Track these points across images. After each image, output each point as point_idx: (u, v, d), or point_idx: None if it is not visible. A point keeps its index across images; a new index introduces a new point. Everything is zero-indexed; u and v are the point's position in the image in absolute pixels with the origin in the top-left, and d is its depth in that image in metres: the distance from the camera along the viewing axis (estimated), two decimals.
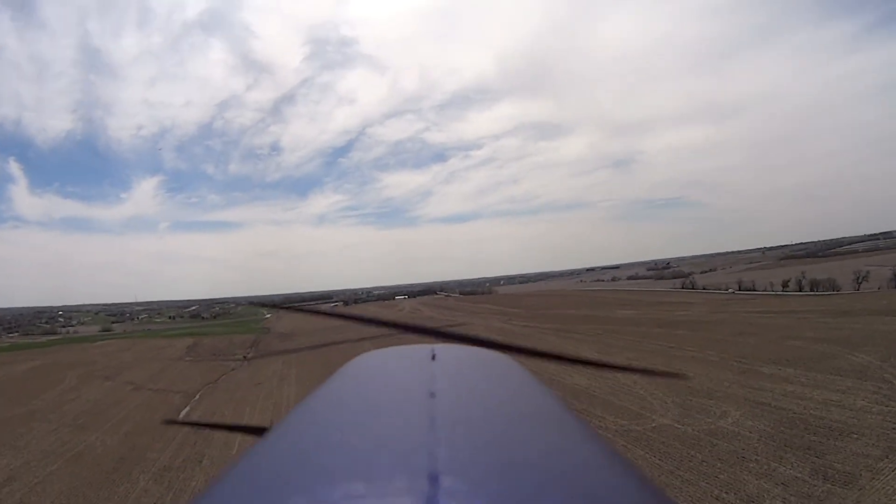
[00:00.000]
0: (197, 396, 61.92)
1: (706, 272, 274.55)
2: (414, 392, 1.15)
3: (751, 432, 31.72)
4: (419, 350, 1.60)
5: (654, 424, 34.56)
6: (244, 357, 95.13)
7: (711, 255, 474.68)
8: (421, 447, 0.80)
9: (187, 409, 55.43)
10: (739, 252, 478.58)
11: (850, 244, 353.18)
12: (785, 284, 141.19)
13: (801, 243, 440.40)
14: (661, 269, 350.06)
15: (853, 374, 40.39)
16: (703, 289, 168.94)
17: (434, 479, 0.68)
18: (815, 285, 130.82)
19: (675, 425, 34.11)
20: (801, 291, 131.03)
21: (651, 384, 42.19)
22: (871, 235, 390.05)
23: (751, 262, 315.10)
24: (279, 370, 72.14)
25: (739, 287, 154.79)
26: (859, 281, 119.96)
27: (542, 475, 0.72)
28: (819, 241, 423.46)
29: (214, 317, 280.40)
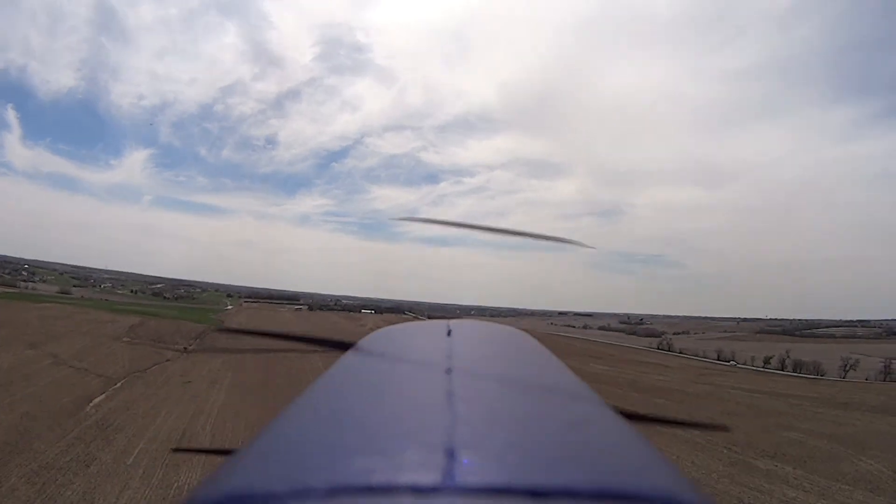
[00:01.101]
0: (118, 384, 55.22)
1: (679, 333, 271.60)
2: (430, 367, 1.16)
3: None
4: (435, 326, 1.64)
5: None
6: (184, 348, 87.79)
7: (685, 317, 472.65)
8: (437, 422, 0.81)
9: (102, 396, 49.34)
10: (714, 318, 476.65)
11: (826, 327, 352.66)
12: (767, 361, 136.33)
13: (777, 319, 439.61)
14: (633, 325, 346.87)
15: (863, 485, 34.75)
16: (680, 352, 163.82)
17: (450, 453, 0.68)
18: (798, 366, 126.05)
19: None
20: (783, 370, 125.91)
21: None
22: (847, 321, 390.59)
23: (725, 331, 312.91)
24: (215, 370, 65.83)
25: (718, 357, 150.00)
26: (846, 368, 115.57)
27: (559, 450, 0.73)
28: (795, 319, 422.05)
29: (176, 298, 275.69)
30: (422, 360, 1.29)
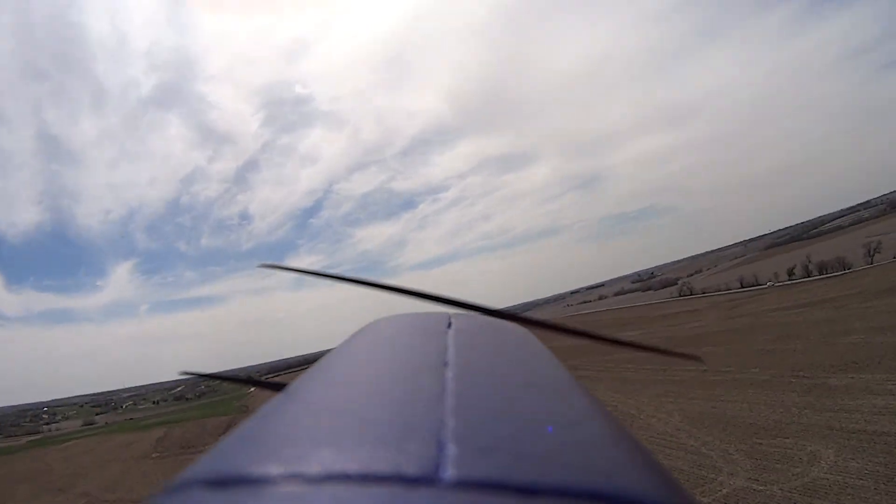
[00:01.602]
0: None
1: (692, 275, 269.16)
2: (427, 359, 1.17)
3: (862, 479, 22.92)
4: (435, 317, 1.61)
5: (724, 491, 25.31)
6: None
7: (694, 258, 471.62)
8: (431, 414, 0.82)
9: None
10: (721, 249, 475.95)
11: (831, 221, 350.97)
12: (791, 273, 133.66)
13: (782, 229, 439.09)
14: (646, 280, 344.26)
15: None
16: (703, 292, 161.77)
17: (442, 446, 0.70)
18: (823, 267, 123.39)
19: (754, 487, 24.99)
20: (810, 276, 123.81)
21: (699, 429, 33.21)
22: (850, 208, 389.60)
23: (735, 258, 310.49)
24: None
25: (742, 284, 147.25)
26: (871, 254, 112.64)
27: (550, 447, 0.74)
28: (799, 223, 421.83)
29: (199, 396, 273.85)
30: (419, 351, 1.28)
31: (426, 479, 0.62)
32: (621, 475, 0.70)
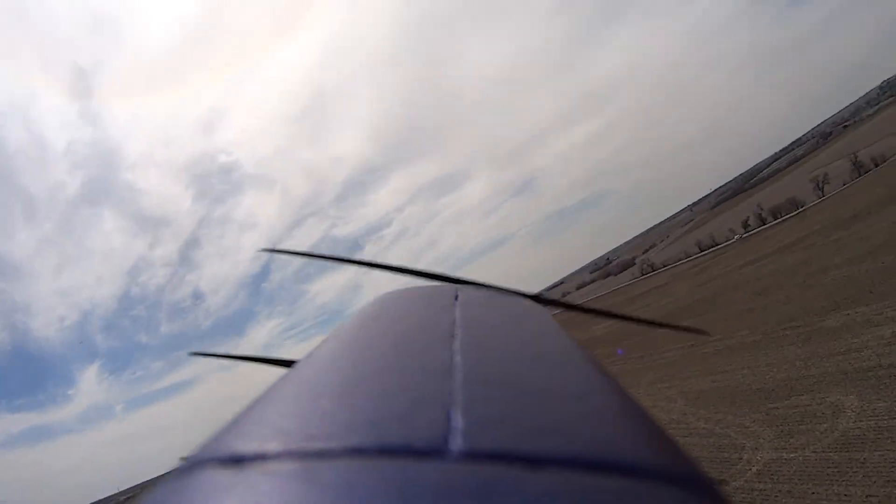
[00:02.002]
0: None
1: (648, 251, 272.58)
2: (434, 332, 1.18)
3: (895, 418, 21.65)
4: (442, 290, 1.66)
5: (754, 469, 23.69)
6: None
7: (645, 234, 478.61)
8: (439, 387, 0.84)
9: None
10: (668, 219, 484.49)
11: (769, 166, 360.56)
12: (745, 225, 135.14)
13: (723, 185, 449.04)
14: (604, 267, 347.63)
15: None
16: (664, 265, 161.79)
17: (451, 418, 0.71)
18: (776, 212, 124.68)
19: (784, 457, 23.44)
20: (765, 223, 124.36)
21: (706, 408, 31.71)
22: (784, 150, 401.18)
23: (685, 224, 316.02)
24: None
25: (700, 248, 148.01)
26: (821, 187, 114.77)
27: (558, 418, 0.76)
28: (738, 175, 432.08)
29: None
30: (426, 324, 1.30)
31: (436, 452, 0.63)
32: (630, 446, 0.72)
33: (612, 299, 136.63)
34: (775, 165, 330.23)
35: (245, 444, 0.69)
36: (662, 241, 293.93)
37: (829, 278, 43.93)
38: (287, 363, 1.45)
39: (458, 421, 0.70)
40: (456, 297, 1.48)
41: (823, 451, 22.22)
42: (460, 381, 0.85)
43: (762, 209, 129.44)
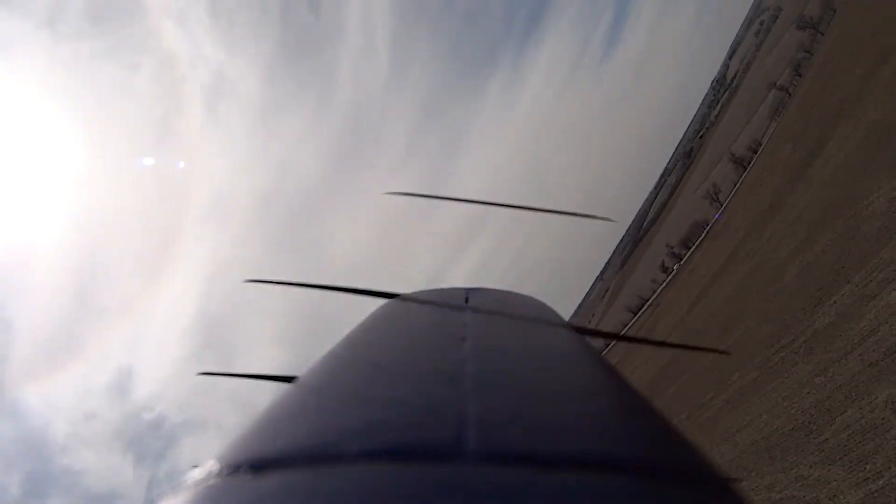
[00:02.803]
0: None
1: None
2: (445, 335, 1.26)
3: None
4: (452, 293, 1.75)
5: None
6: None
7: (574, 319, 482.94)
8: (451, 390, 0.87)
9: None
10: (584, 301, 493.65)
11: (651, 205, 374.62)
12: (664, 268, 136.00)
13: (619, 244, 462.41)
14: None
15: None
16: (607, 346, 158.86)
17: (464, 421, 0.73)
18: (687, 242, 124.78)
19: (873, 488, 19.55)
20: (682, 259, 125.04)
21: (748, 470, 27.74)
22: (657, 185, 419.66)
23: (603, 295, 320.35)
24: None
25: (633, 311, 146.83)
26: (717, 198, 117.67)
27: (571, 418, 0.79)
28: (628, 228, 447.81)
29: None
30: (437, 328, 1.39)
31: (451, 454, 0.65)
32: (644, 445, 0.75)
33: None
34: (659, 199, 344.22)
35: (259, 451, 0.71)
36: (589, 322, 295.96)
37: (790, 275, 41.69)
38: (289, 380, 1.39)
39: (473, 423, 0.72)
40: (466, 300, 1.55)
41: None
42: (473, 383, 0.89)
43: (671, 246, 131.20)
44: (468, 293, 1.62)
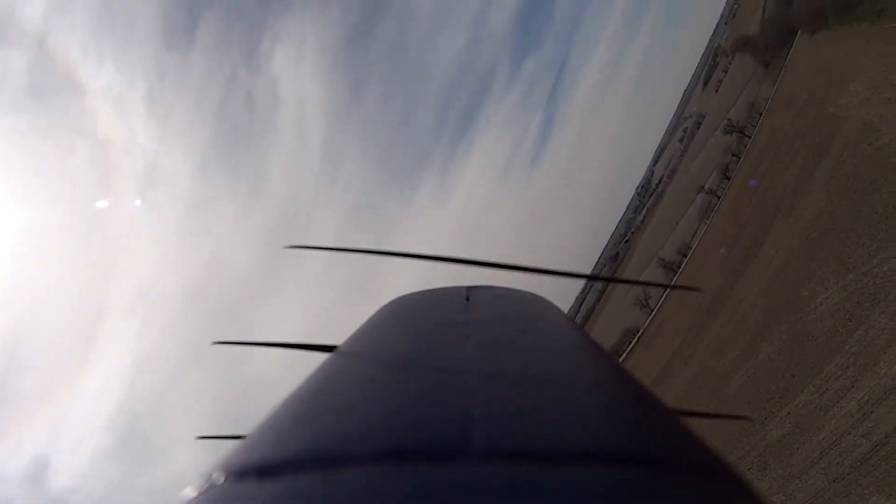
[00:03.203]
0: None
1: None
2: (448, 334, 1.30)
3: None
4: (453, 291, 1.78)
5: None
6: None
7: None
8: (455, 388, 0.89)
9: None
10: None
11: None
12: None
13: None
14: None
15: None
16: None
17: (469, 419, 0.75)
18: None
19: None
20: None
21: None
22: (579, 297, 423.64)
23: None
24: None
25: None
26: (646, 303, 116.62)
27: (576, 413, 0.81)
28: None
29: None
30: (440, 326, 1.42)
31: (457, 453, 0.66)
32: (652, 438, 0.76)
33: None
34: (586, 305, 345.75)
35: (265, 456, 0.72)
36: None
37: (733, 386, 40.68)
38: (319, 348, 1.49)
39: (479, 421, 0.74)
40: (468, 299, 1.60)
41: None
42: (477, 381, 0.91)
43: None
44: (469, 291, 1.65)
